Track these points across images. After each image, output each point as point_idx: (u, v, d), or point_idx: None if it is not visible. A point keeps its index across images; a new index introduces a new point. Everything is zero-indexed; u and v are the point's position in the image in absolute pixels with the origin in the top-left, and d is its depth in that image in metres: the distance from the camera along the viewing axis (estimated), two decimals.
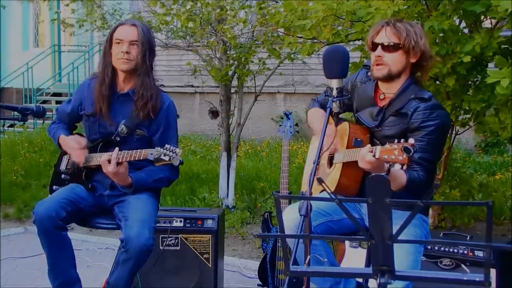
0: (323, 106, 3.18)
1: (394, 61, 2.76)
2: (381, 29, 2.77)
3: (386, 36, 2.75)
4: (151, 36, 3.31)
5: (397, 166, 2.40)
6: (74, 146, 3.37)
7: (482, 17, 4.13)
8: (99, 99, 3.30)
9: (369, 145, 2.58)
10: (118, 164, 3.13)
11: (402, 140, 2.42)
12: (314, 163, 2.57)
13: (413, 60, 2.78)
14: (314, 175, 2.48)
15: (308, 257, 2.38)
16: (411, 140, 2.41)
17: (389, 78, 2.81)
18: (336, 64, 2.69)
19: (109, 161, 3.13)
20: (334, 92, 2.66)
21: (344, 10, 4.01)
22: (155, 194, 3.38)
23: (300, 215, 2.36)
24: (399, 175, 2.59)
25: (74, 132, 3.58)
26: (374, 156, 2.45)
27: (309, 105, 3.29)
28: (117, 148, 3.15)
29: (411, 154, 2.36)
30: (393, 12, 3.62)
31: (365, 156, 2.51)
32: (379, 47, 2.76)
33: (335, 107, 2.67)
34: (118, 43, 3.22)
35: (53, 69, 15.37)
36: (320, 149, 2.58)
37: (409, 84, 2.81)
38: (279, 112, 9.99)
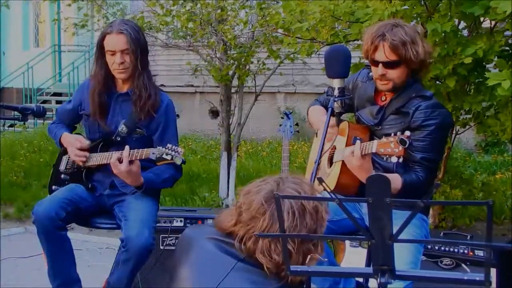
0: (324, 106, 3.19)
1: (398, 75, 2.76)
2: (378, 45, 2.72)
3: (385, 55, 2.71)
4: (140, 36, 3.26)
5: (395, 159, 2.41)
6: (76, 146, 3.36)
7: (482, 18, 4.12)
8: (93, 105, 3.30)
9: (350, 148, 2.59)
10: (130, 162, 3.11)
11: (398, 133, 2.42)
12: (315, 162, 2.57)
13: (414, 66, 2.77)
14: (316, 175, 2.49)
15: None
16: (407, 133, 2.43)
17: (395, 90, 2.82)
18: (338, 64, 2.69)
19: (119, 160, 3.10)
20: (336, 92, 2.67)
21: (341, 11, 4.01)
22: (155, 194, 3.37)
23: None
24: (393, 179, 2.60)
25: (74, 133, 3.58)
26: (353, 154, 2.54)
27: (310, 104, 3.30)
28: (127, 147, 3.11)
29: (406, 145, 2.37)
30: (391, 13, 3.61)
31: (348, 159, 2.60)
32: (381, 65, 2.74)
33: (336, 106, 2.68)
34: (112, 54, 3.19)
35: (54, 69, 15.39)
36: (322, 149, 2.58)
37: (411, 84, 2.81)
38: (279, 111, 10.00)
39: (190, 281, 1.93)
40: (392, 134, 2.45)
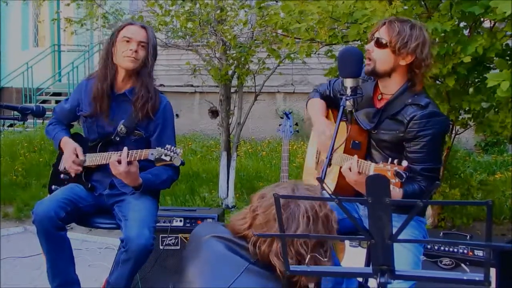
0: (323, 97, 3.20)
1: (381, 58, 2.75)
2: (382, 26, 2.77)
3: (379, 32, 2.76)
4: (156, 40, 3.35)
5: (391, 187, 2.42)
6: (71, 157, 3.36)
7: (482, 18, 4.12)
8: (99, 97, 3.30)
9: (349, 161, 2.61)
10: (129, 163, 3.11)
11: (395, 161, 2.42)
12: (326, 158, 2.58)
13: (403, 63, 2.74)
14: (326, 170, 2.50)
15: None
16: (404, 163, 2.41)
17: (374, 74, 2.81)
18: (351, 64, 2.70)
19: (119, 162, 3.11)
20: (348, 91, 2.68)
21: (340, 12, 4.01)
22: (155, 194, 3.38)
23: None
24: (393, 190, 2.60)
25: (72, 132, 3.58)
26: (350, 169, 2.56)
27: (310, 94, 3.29)
28: (126, 148, 3.12)
29: (403, 180, 2.37)
30: (391, 14, 3.61)
31: (345, 173, 2.62)
32: (372, 41, 2.78)
33: (348, 105, 2.68)
34: (127, 41, 3.21)
35: (53, 68, 15.38)
36: (333, 146, 2.59)
37: (406, 87, 2.79)
38: (279, 111, 9.99)
39: (198, 280, 1.94)
40: (390, 161, 2.44)
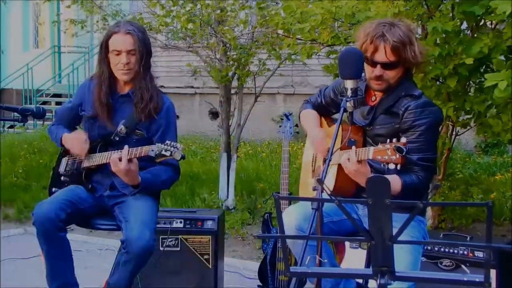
0: (315, 107, 3.22)
1: (394, 76, 2.79)
2: (379, 46, 2.74)
3: (386, 56, 2.74)
4: (146, 38, 3.29)
5: (392, 166, 2.43)
6: (76, 139, 3.34)
7: (483, 19, 4.12)
8: (99, 105, 3.30)
9: (347, 153, 2.60)
10: (129, 161, 3.10)
11: (394, 140, 2.44)
12: (327, 159, 2.59)
13: (409, 66, 2.81)
14: (326, 173, 2.51)
15: (308, 257, 2.39)
16: (403, 139, 2.44)
17: (387, 90, 2.84)
18: (351, 65, 2.70)
19: (120, 159, 3.10)
20: (349, 92, 2.68)
21: (342, 13, 4.00)
22: (155, 195, 3.38)
23: (312, 208, 2.38)
24: (392, 181, 2.60)
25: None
26: (348, 160, 2.56)
27: (301, 107, 3.31)
28: (126, 146, 3.12)
29: (403, 153, 2.38)
30: (393, 14, 3.61)
31: (344, 164, 2.59)
32: (379, 66, 2.77)
33: (349, 106, 2.69)
34: (117, 54, 3.20)
35: (53, 70, 15.38)
36: (333, 147, 2.60)
37: (400, 82, 2.82)
38: (279, 113, 10.00)
39: None
40: (388, 141, 2.46)
